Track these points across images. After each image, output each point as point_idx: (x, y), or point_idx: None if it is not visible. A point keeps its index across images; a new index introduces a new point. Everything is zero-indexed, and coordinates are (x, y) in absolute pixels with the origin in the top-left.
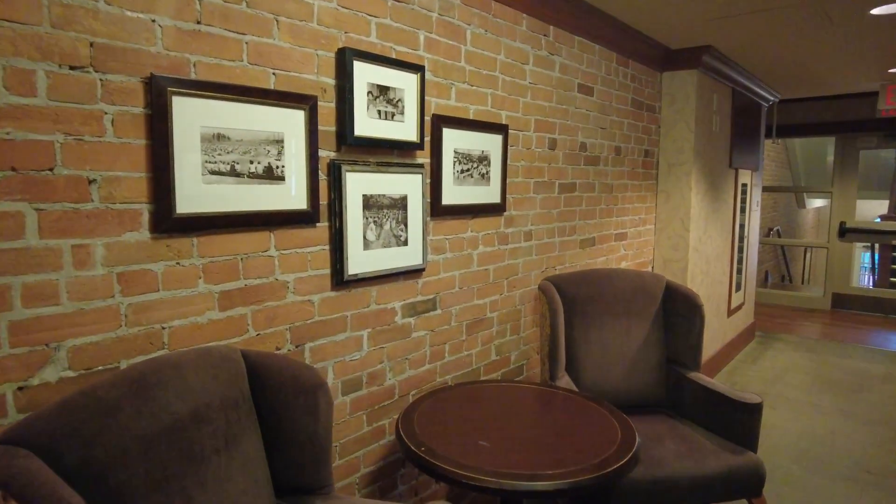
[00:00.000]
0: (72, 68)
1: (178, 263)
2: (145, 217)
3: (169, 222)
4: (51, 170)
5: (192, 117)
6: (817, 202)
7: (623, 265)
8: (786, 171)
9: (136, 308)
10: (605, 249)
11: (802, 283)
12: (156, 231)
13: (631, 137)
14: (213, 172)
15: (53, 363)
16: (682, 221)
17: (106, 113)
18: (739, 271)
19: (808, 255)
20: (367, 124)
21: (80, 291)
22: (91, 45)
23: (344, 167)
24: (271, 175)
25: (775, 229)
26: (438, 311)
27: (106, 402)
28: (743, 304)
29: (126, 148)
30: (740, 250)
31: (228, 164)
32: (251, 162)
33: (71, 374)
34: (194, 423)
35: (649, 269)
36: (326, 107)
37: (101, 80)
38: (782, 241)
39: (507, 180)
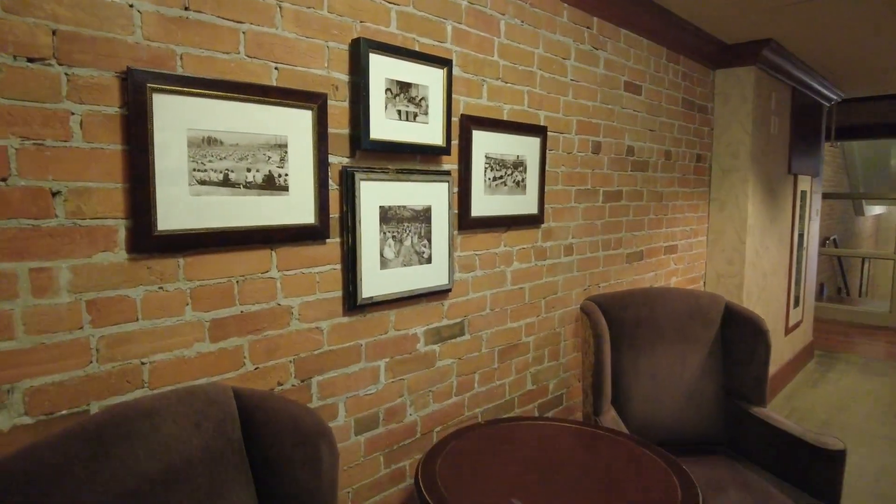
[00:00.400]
0: (30, 60)
1: (160, 288)
2: (121, 235)
3: (149, 241)
4: (3, 180)
5: (177, 118)
6: (877, 209)
7: (673, 281)
8: (842, 176)
9: (110, 341)
10: (654, 264)
11: (860, 296)
12: (134, 251)
13: (682, 140)
14: (202, 182)
15: (5, 408)
16: (737, 232)
17: (73, 113)
18: (797, 285)
19: (866, 265)
20: (385, 126)
21: (40, 323)
22: (54, 33)
23: (358, 175)
24: (272, 185)
25: (832, 238)
26: (467, 337)
27: (51, 467)
28: (801, 321)
29: (97, 154)
30: (798, 262)
31: (221, 172)
32: (248, 170)
33: (28, 420)
34: (167, 485)
35: (701, 284)
36: (338, 106)
37: (66, 74)
38: (842, 252)
39: (546, 188)
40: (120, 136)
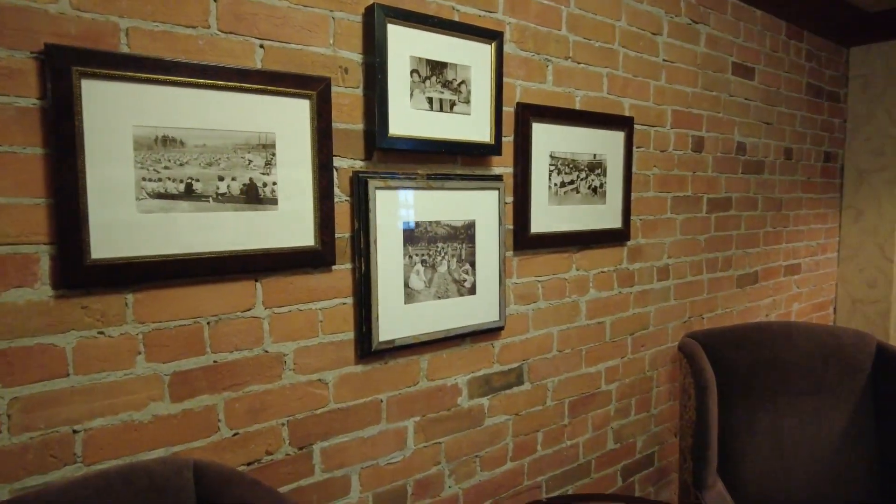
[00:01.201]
0: None
1: (101, 333)
2: (43, 265)
3: (81, 272)
4: None
5: (118, 112)
6: None
7: (794, 308)
8: None
9: (27, 404)
10: (772, 288)
11: None
12: (62, 286)
13: (806, 136)
14: (156, 195)
15: None
16: (880, 247)
17: None
18: None
19: None
20: (410, 118)
21: None
22: None
23: (374, 183)
24: (255, 197)
25: None
26: (526, 386)
27: None
28: None
29: (8, 160)
30: None
31: (182, 182)
32: (221, 178)
33: None
34: None
35: (830, 311)
36: (347, 94)
37: None
38: None
39: (633, 195)
40: (39, 137)
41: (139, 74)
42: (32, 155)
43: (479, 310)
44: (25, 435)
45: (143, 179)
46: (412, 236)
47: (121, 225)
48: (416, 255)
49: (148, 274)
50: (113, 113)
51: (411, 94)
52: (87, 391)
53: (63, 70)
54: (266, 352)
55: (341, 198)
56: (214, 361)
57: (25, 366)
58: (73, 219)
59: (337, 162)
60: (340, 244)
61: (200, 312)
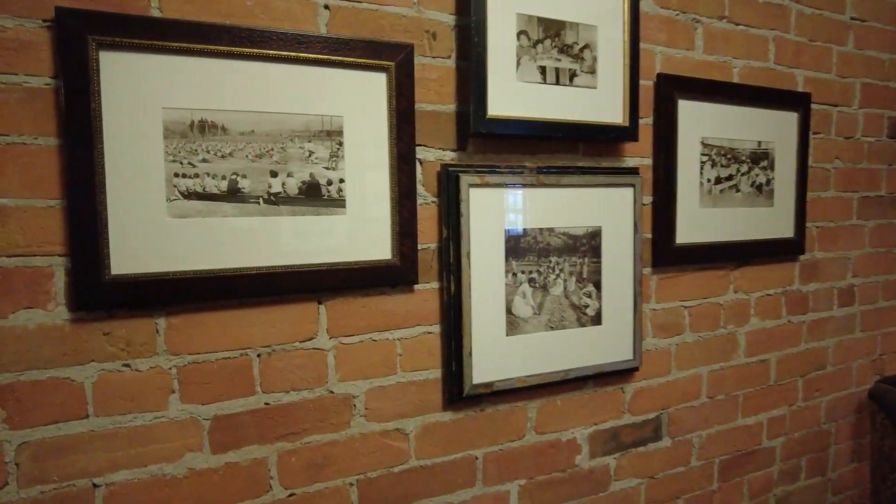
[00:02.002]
0: None
1: (126, 366)
2: (58, 280)
3: (101, 290)
4: None
5: (144, 90)
6: None
7: None
8: None
9: (40, 451)
10: None
11: None
12: (80, 307)
13: None
14: (192, 195)
15: None
16: None
17: None
18: None
19: None
20: (516, 95)
21: None
22: None
23: (467, 179)
24: (317, 197)
25: None
26: (665, 443)
27: None
28: None
29: (16, 153)
30: None
31: (225, 177)
32: (274, 174)
33: None
34: None
35: None
36: (435, 66)
37: None
38: None
39: (808, 196)
40: (53, 124)
41: (171, 44)
42: (45, 147)
43: (605, 345)
44: (36, 488)
45: (176, 175)
46: (517, 248)
47: (148, 232)
48: (523, 272)
49: (183, 293)
50: (138, 92)
51: (518, 64)
52: (110, 437)
53: (77, 39)
54: (331, 393)
55: (426, 198)
56: (266, 404)
57: (37, 404)
58: (89, 225)
59: (421, 153)
60: (425, 257)
61: (249, 342)
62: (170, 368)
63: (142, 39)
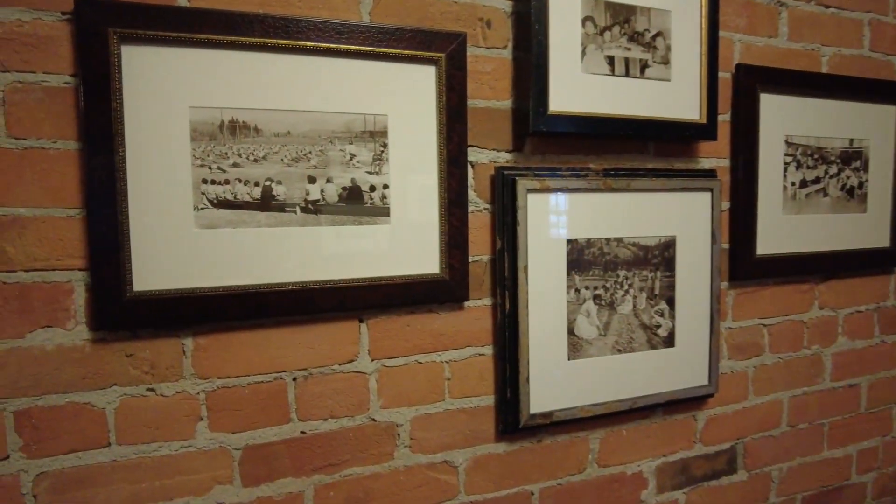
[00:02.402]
0: None
1: (151, 390)
2: (77, 298)
3: (125, 308)
4: None
5: (170, 87)
6: None
7: None
8: None
9: (58, 482)
10: None
11: None
12: (102, 326)
13: None
14: (221, 203)
15: None
16: None
17: None
18: None
19: None
20: (581, 88)
21: None
22: None
23: (525, 184)
24: (359, 205)
25: None
26: (741, 476)
27: None
28: None
29: (34, 158)
30: None
31: (258, 183)
32: (312, 180)
33: None
34: None
35: None
36: (489, 58)
37: None
38: None
39: None
40: (73, 126)
41: (198, 36)
42: (65, 151)
43: (677, 368)
44: None
45: (204, 182)
46: (580, 260)
47: (174, 245)
48: (587, 287)
49: (212, 311)
50: (163, 89)
51: (583, 53)
52: (133, 467)
53: (97, 33)
54: (373, 420)
55: (478, 205)
56: (302, 433)
57: (55, 431)
58: (109, 237)
59: (473, 155)
60: (476, 271)
61: (283, 365)
62: (197, 393)
63: (167, 31)
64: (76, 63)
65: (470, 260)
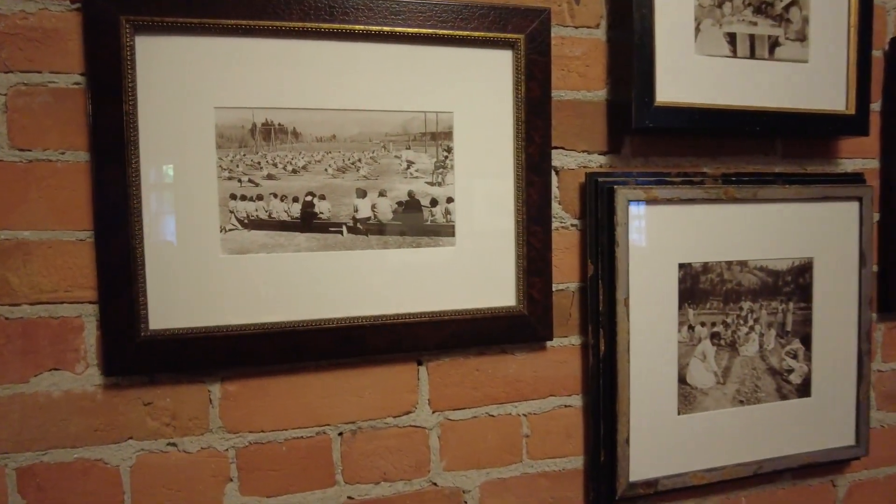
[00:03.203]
0: None
1: (172, 445)
2: (89, 335)
3: (139, 349)
4: None
5: (191, 84)
6: None
7: None
8: None
9: None
10: None
11: None
12: (115, 370)
13: None
14: (253, 223)
15: None
16: None
17: None
18: None
19: None
20: (694, 74)
21: None
22: None
23: (626, 194)
24: (417, 224)
25: None
26: None
27: None
28: None
29: (40, 173)
30: None
31: (297, 199)
32: (362, 193)
33: None
34: None
35: None
36: (578, 39)
37: None
38: None
39: None
40: (84, 134)
41: (225, 21)
42: (74, 164)
43: (814, 423)
44: None
45: (233, 197)
46: (695, 290)
47: (197, 274)
48: (703, 323)
49: (242, 353)
50: (183, 87)
51: (697, 30)
52: None
53: (106, 22)
54: (434, 485)
55: (564, 221)
56: (349, 498)
57: (63, 492)
58: (121, 266)
59: (557, 158)
60: (562, 303)
61: (327, 417)
62: (226, 450)
63: (188, 18)
64: (84, 59)
65: (554, 289)
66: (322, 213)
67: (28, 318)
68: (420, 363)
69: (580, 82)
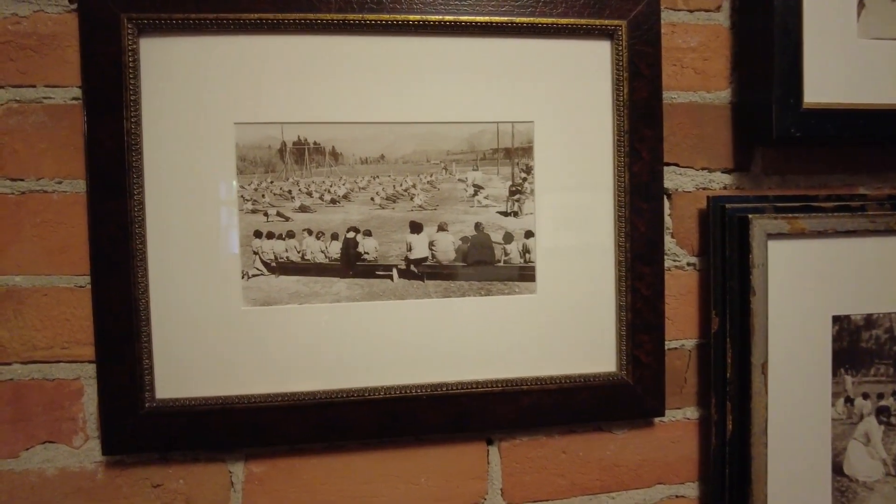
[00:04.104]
0: None
1: None
2: (88, 402)
3: (144, 423)
4: None
5: (207, 95)
6: None
7: None
8: None
9: None
10: None
11: None
12: (114, 448)
13: None
14: (283, 266)
15: None
16: None
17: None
18: None
19: None
20: (857, 64)
21: None
22: None
23: (762, 224)
24: (486, 263)
25: None
26: None
27: None
28: None
29: (33, 207)
30: None
31: (337, 236)
32: (416, 227)
33: None
34: None
35: None
36: (693, 26)
37: None
38: None
39: None
40: (81, 157)
41: (248, 16)
42: (72, 195)
43: None
44: None
45: (258, 235)
46: (855, 351)
47: (214, 330)
48: (865, 395)
49: (269, 429)
50: (197, 99)
51: (861, 6)
52: None
53: (105, 22)
54: None
55: (678, 259)
56: None
57: None
58: (121, 319)
59: (670, 178)
60: (675, 365)
61: None
62: None
63: (202, 13)
64: (81, 68)
65: (666, 347)
66: (367, 253)
67: (19, 379)
68: (490, 443)
69: (697, 81)
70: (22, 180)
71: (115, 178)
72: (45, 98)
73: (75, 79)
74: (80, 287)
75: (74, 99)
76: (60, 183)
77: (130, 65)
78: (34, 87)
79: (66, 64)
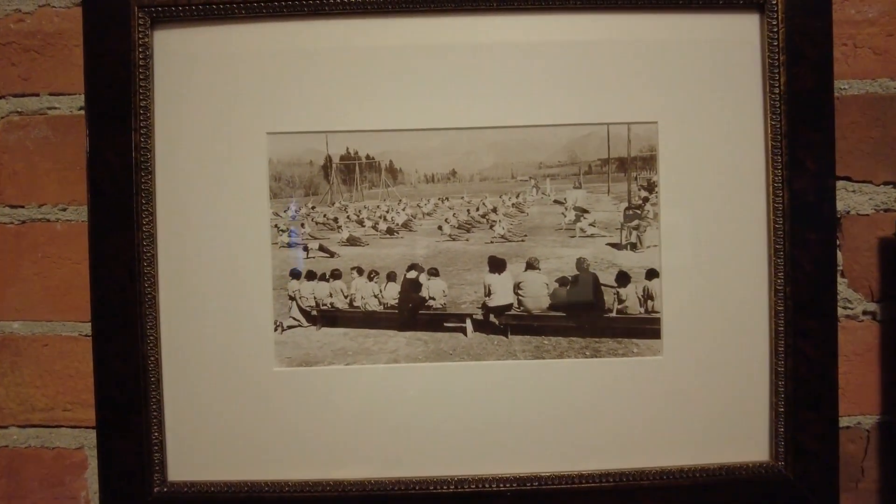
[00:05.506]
0: None
1: None
2: (91, 476)
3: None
4: None
5: (231, 102)
6: None
7: None
8: None
9: None
10: None
11: None
12: None
13: None
14: (321, 316)
15: None
16: None
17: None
18: None
19: None
20: None
21: None
22: None
23: None
24: (592, 313)
25: None
26: None
27: None
28: None
29: (34, 238)
30: None
31: (395, 277)
32: (498, 264)
33: None
34: None
35: None
36: None
37: None
38: None
39: None
40: (85, 178)
41: (278, 1)
42: (77, 225)
43: None
44: None
45: (294, 275)
46: None
47: (238, 398)
48: None
49: None
50: (222, 103)
51: None
52: None
53: (113, 11)
54: None
55: (851, 306)
56: None
57: None
58: (125, 381)
59: (841, 197)
60: (848, 450)
61: None
62: None
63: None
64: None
65: (840, 426)
66: (433, 298)
67: (14, 446)
68: None
69: (877, 65)
70: (22, 207)
71: (121, 205)
72: (49, 108)
73: (83, 85)
74: (85, 336)
75: (81, 109)
76: (65, 210)
77: (141, 63)
78: (37, 95)
79: (74, 67)
